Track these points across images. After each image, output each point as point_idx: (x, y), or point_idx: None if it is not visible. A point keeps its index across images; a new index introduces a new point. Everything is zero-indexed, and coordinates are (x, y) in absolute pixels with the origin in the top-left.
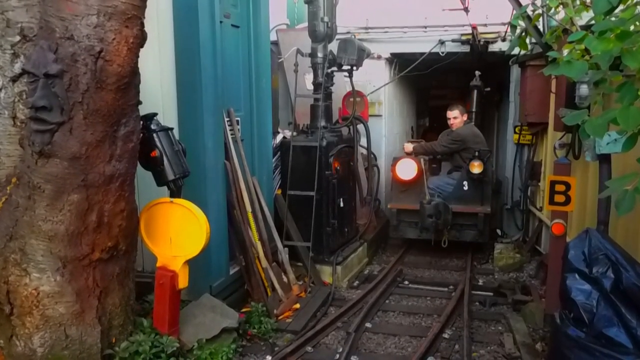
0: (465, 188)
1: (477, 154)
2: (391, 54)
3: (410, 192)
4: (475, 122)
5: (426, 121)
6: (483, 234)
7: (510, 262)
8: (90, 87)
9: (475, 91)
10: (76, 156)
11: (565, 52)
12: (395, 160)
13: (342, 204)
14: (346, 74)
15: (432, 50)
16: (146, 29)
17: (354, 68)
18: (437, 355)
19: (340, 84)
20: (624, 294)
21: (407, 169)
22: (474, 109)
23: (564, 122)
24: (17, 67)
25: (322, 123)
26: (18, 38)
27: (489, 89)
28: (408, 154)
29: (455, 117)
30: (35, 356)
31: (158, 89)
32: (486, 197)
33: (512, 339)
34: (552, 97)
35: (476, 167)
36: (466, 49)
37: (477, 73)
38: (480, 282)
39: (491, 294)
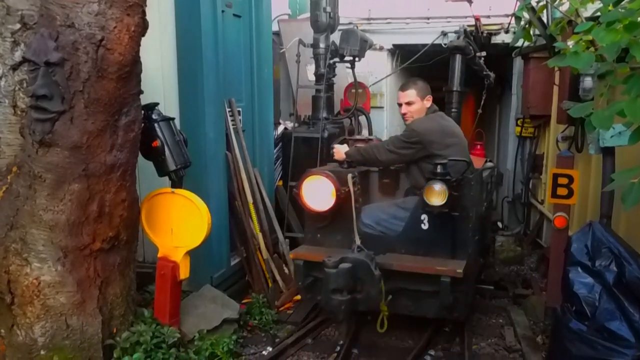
0: (425, 227)
1: (439, 168)
2: (393, 45)
3: (335, 229)
4: (459, 114)
5: None
6: (455, 308)
7: (511, 255)
8: (91, 75)
9: (458, 57)
10: (77, 145)
11: (571, 43)
12: (303, 176)
13: None
14: (348, 65)
15: (435, 42)
16: (147, 17)
17: (356, 59)
18: (438, 347)
19: (342, 75)
20: (627, 287)
21: (319, 193)
22: (455, 87)
23: (569, 115)
24: (18, 55)
25: (324, 114)
26: (18, 26)
27: (492, 75)
28: (339, 163)
29: (410, 101)
30: (36, 346)
31: (159, 79)
32: (461, 246)
33: (513, 332)
34: (555, 89)
35: (435, 196)
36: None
37: (461, 28)
38: (481, 275)
39: (492, 287)
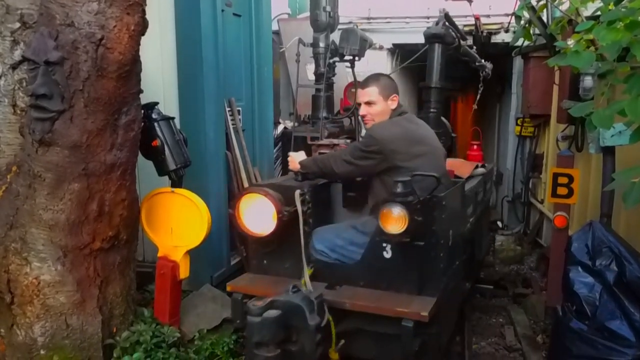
0: (387, 255)
1: (399, 187)
2: (393, 44)
3: (284, 255)
4: (439, 114)
5: None
6: (424, 355)
7: (511, 254)
8: (91, 74)
9: (437, 48)
10: (77, 145)
11: (571, 42)
12: (239, 194)
13: None
14: (348, 64)
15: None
16: (147, 16)
17: (356, 58)
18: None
19: (342, 75)
20: (627, 286)
21: (259, 215)
22: (434, 83)
23: (569, 114)
24: (17, 55)
25: (324, 114)
26: (18, 25)
27: (488, 66)
28: (295, 173)
29: (371, 101)
30: (36, 345)
31: (159, 78)
32: (430, 280)
33: (513, 331)
34: (555, 88)
35: (392, 222)
36: (469, 40)
37: (442, 13)
38: (481, 275)
39: (492, 286)
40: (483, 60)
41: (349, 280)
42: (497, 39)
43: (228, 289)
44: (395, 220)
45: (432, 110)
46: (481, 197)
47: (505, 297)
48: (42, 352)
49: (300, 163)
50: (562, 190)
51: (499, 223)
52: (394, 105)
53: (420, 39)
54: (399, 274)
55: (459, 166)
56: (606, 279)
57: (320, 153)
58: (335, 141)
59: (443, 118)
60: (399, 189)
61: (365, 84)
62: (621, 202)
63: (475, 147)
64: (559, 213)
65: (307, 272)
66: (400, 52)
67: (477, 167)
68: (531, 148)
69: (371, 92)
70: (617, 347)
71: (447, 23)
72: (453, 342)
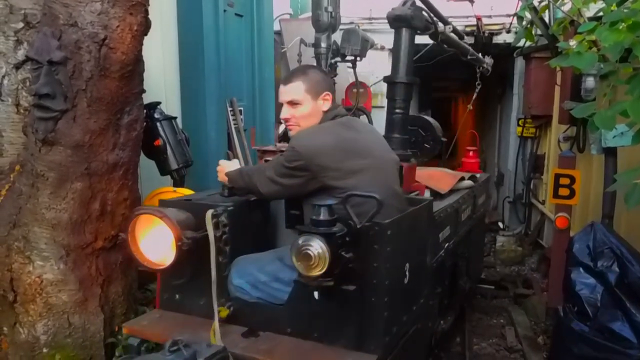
0: (318, 298)
1: (321, 214)
2: None
3: (199, 289)
4: (406, 117)
5: (429, 113)
6: None
7: (512, 255)
8: (94, 74)
9: (404, 34)
10: (79, 144)
11: (573, 43)
12: (133, 213)
13: None
14: (349, 64)
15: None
16: (150, 16)
17: (358, 59)
18: (437, 347)
19: (343, 75)
20: (629, 288)
21: (156, 241)
22: (400, 78)
23: (571, 115)
24: (21, 54)
25: None
26: (21, 25)
27: (487, 62)
28: (222, 187)
29: (295, 100)
30: (39, 344)
31: (161, 78)
32: (371, 332)
33: (514, 332)
34: (557, 89)
35: (307, 261)
36: (470, 40)
37: None
38: (482, 275)
39: (492, 287)
40: (480, 55)
41: (274, 325)
42: (499, 39)
43: (124, 330)
44: (312, 259)
45: (397, 110)
46: (468, 214)
47: (506, 298)
48: (44, 350)
49: (227, 175)
50: (563, 191)
51: (500, 224)
52: (326, 106)
53: (422, 39)
54: (333, 323)
55: (439, 178)
56: (608, 280)
57: (265, 161)
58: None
59: (430, 119)
60: (321, 216)
61: (287, 78)
62: (623, 203)
63: (471, 153)
64: (560, 214)
65: (217, 315)
66: None
67: (462, 179)
68: (532, 149)
69: (295, 89)
70: (619, 348)
71: (418, 3)
72: (453, 343)
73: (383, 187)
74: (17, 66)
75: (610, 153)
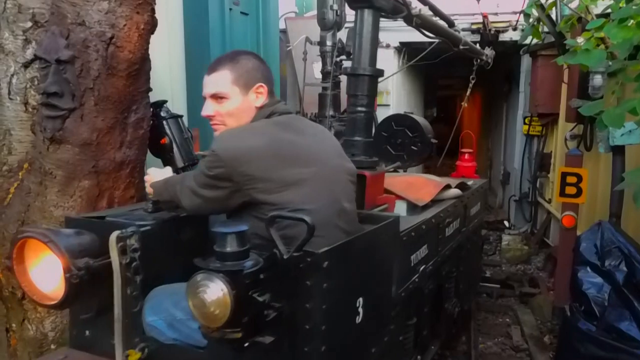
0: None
1: (228, 244)
2: (400, 42)
3: (111, 325)
4: (370, 117)
5: (434, 111)
6: None
7: (518, 254)
8: (101, 73)
9: (366, 15)
10: (87, 142)
11: (581, 40)
12: (16, 237)
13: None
14: None
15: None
16: (156, 15)
17: None
18: (443, 345)
19: None
20: (637, 287)
21: (43, 270)
22: (362, 70)
23: (578, 113)
24: (29, 53)
25: (330, 112)
26: (30, 24)
27: (487, 54)
28: (146, 200)
29: (220, 94)
30: (47, 340)
31: (167, 76)
32: None
33: (520, 331)
34: (564, 87)
35: (205, 308)
36: (476, 38)
37: None
38: (488, 274)
39: (498, 285)
40: (478, 45)
41: None
42: (505, 37)
43: None
44: (211, 306)
45: (359, 108)
46: (456, 228)
47: (511, 297)
48: (52, 346)
49: (152, 185)
50: (570, 190)
51: (506, 222)
52: (259, 100)
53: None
54: None
55: (419, 187)
56: (615, 279)
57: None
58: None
59: (419, 118)
60: (227, 247)
61: (211, 67)
62: (631, 202)
63: (466, 156)
64: (567, 213)
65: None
66: (407, 50)
67: (448, 187)
68: (539, 147)
69: (219, 80)
70: (626, 347)
71: None
72: (459, 342)
73: (328, 203)
74: (26, 65)
75: (618, 151)
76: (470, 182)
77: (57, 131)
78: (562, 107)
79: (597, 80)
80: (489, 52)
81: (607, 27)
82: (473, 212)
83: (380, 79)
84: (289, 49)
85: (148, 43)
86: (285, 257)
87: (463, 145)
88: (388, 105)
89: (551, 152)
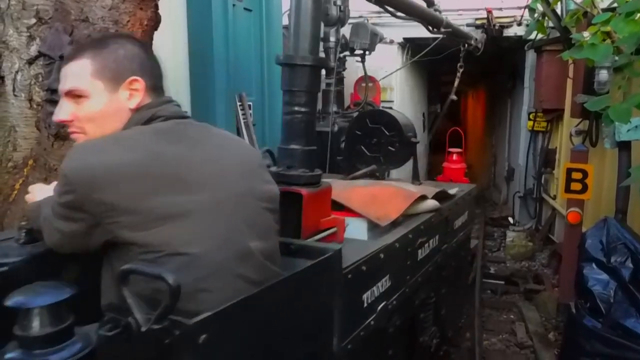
0: None
1: (33, 317)
2: (404, 38)
3: None
4: (312, 118)
5: (437, 108)
6: None
7: (522, 250)
8: None
9: None
10: None
11: (587, 35)
12: None
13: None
14: (358, 58)
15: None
16: (159, 11)
17: (367, 52)
18: (447, 342)
19: (352, 69)
20: None
21: None
22: (299, 59)
23: (583, 108)
24: (33, 50)
25: (334, 108)
26: (34, 20)
27: (476, 37)
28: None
29: (77, 91)
30: None
31: (170, 73)
32: None
33: (525, 328)
34: (569, 82)
35: None
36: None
37: None
38: (492, 270)
39: (502, 282)
40: (464, 28)
41: None
42: (509, 32)
43: None
44: None
45: (296, 109)
46: (434, 246)
47: (516, 294)
48: None
49: (27, 209)
50: (575, 186)
51: (510, 219)
52: (135, 100)
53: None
54: None
55: (385, 200)
56: (621, 276)
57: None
58: None
59: (398, 114)
60: (33, 328)
61: (69, 55)
62: (637, 198)
63: (454, 156)
64: (572, 209)
65: None
66: (411, 46)
67: (423, 197)
68: (544, 143)
69: (77, 72)
70: (632, 345)
71: None
72: (463, 338)
73: (223, 243)
74: (30, 62)
75: (624, 147)
76: (453, 190)
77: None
78: (567, 103)
79: (603, 75)
80: (478, 35)
81: (613, 21)
82: (458, 224)
83: (383, 76)
84: None
85: (152, 40)
86: (142, 329)
87: (450, 145)
88: (392, 101)
89: (556, 148)
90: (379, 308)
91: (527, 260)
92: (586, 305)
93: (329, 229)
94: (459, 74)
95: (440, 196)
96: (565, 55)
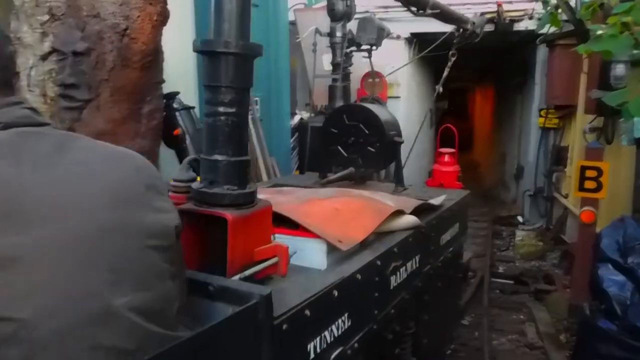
0: None
1: None
2: (411, 33)
3: None
4: (243, 119)
5: (445, 104)
6: None
7: (532, 250)
8: (116, 64)
9: None
10: (103, 133)
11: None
12: None
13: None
14: (365, 54)
15: (454, 30)
16: (168, 6)
17: (373, 48)
18: (456, 341)
19: (359, 65)
20: None
21: None
22: (224, 45)
23: (598, 105)
24: (46, 46)
25: (340, 104)
26: (47, 17)
27: (472, 21)
28: None
29: None
30: None
31: (178, 68)
32: None
33: (535, 329)
34: (583, 78)
35: None
36: (490, 28)
37: None
38: (500, 270)
39: (512, 281)
40: (458, 12)
41: None
42: (520, 26)
43: None
44: None
45: (220, 110)
46: (412, 271)
47: (525, 294)
48: None
49: None
50: (590, 184)
51: (520, 218)
52: None
53: (439, 28)
54: None
55: (350, 217)
56: (638, 277)
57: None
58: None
59: (379, 109)
60: None
61: None
62: None
63: (446, 157)
64: (586, 208)
65: None
66: (418, 41)
67: (399, 213)
68: (555, 140)
69: None
70: None
71: None
72: (471, 337)
73: (68, 303)
74: (44, 57)
75: None
76: (439, 199)
77: (75, 122)
78: (581, 99)
79: (620, 69)
80: (477, 19)
81: (634, 11)
82: (445, 239)
83: (390, 71)
84: (298, 40)
85: (161, 34)
86: None
87: (441, 145)
88: (398, 97)
89: (568, 145)
90: (333, 357)
91: (537, 260)
92: (601, 307)
93: (266, 261)
94: (449, 64)
95: (422, 210)
96: (582, 49)
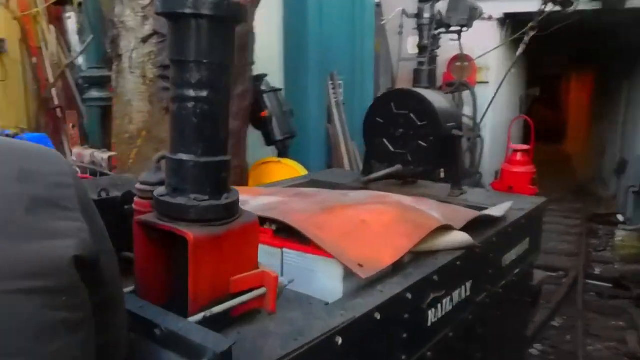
0: None
1: None
2: (504, 14)
3: None
4: (222, 112)
5: (537, 91)
6: None
7: (635, 252)
8: None
9: None
10: None
11: None
12: None
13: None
14: (453, 36)
15: (554, 9)
16: None
17: (464, 29)
18: (545, 342)
19: (445, 47)
20: None
21: None
22: (193, 7)
23: None
24: (147, 29)
25: None
26: (147, 1)
27: None
28: None
29: None
30: None
31: (265, 50)
32: None
33: (637, 337)
34: None
35: None
36: (596, 5)
37: None
38: (597, 271)
39: (610, 285)
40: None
41: None
42: (635, 3)
43: None
44: None
45: (186, 94)
46: (461, 300)
47: (626, 299)
48: None
49: None
50: None
51: (619, 216)
52: None
53: (536, 7)
54: None
55: (380, 232)
56: None
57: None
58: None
59: (433, 95)
60: None
61: None
62: None
63: (518, 156)
64: None
65: None
66: (512, 22)
67: (446, 228)
68: None
69: None
70: None
71: None
72: (562, 340)
73: None
74: (144, 40)
75: None
76: (503, 208)
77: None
78: None
79: None
80: None
81: None
82: (509, 259)
83: (479, 54)
84: (383, 22)
85: (253, 16)
86: None
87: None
88: (487, 82)
89: None
90: None
91: None
92: None
93: (251, 290)
94: (526, 39)
95: (476, 223)
96: None
